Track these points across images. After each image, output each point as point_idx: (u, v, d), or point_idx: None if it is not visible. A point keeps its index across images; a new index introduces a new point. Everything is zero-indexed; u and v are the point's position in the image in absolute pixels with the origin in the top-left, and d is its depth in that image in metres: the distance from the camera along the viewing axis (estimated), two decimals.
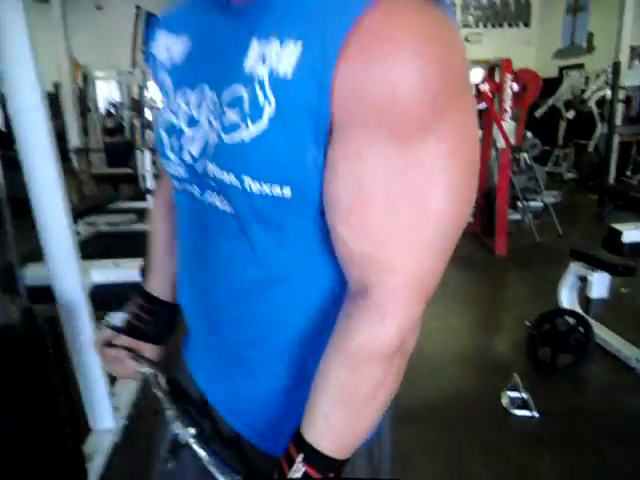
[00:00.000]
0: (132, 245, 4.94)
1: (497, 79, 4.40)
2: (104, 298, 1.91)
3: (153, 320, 0.82)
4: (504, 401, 2.24)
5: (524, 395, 2.25)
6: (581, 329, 2.46)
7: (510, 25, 10.31)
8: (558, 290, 2.85)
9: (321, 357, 0.56)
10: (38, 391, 1.37)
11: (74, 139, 6.13)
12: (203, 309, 0.68)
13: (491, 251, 4.41)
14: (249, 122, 0.51)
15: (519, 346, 2.70)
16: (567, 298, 2.82)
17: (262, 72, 0.51)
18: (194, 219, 0.65)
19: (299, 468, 0.54)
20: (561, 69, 9.47)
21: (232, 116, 0.53)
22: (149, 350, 0.82)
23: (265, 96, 0.50)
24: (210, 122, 0.56)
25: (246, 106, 0.52)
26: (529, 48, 10.19)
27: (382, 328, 0.51)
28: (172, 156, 0.63)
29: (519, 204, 5.08)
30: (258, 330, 0.63)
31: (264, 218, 0.56)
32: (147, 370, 0.76)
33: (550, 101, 7.70)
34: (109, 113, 10.35)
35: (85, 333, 1.74)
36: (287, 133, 0.50)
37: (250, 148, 0.52)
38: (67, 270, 1.65)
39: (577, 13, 9.39)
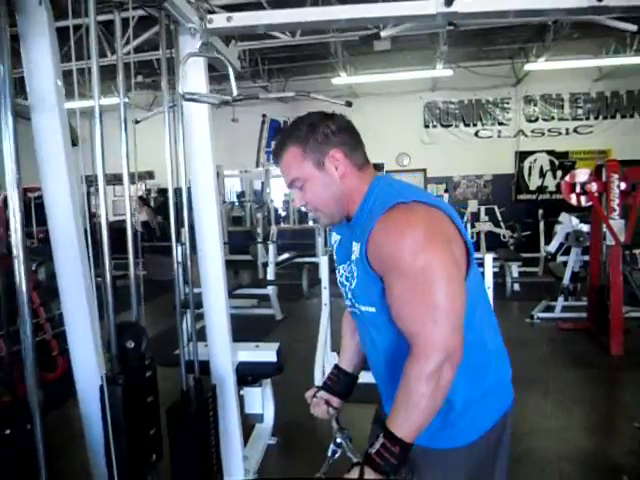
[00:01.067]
0: (256, 326, 5.43)
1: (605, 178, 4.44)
2: (243, 374, 2.30)
3: (339, 382, 1.40)
4: None
5: None
6: None
7: (623, 116, 10.22)
8: None
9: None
10: (200, 443, 1.75)
11: None
12: (373, 368, 1.27)
13: (606, 349, 4.25)
14: (352, 280, 1.15)
15: (632, 450, 2.64)
16: None
17: (353, 257, 1.13)
18: (358, 323, 1.27)
19: (380, 439, 1.02)
20: None
21: (349, 275, 1.16)
22: (335, 401, 1.37)
23: (355, 268, 1.13)
24: (348, 279, 1.18)
25: (350, 273, 1.15)
26: None
27: (420, 365, 0.99)
28: (345, 296, 1.24)
29: None
30: (388, 374, 1.19)
31: (371, 322, 1.16)
32: (333, 411, 1.34)
33: None
34: (233, 205, 11.55)
35: (230, 402, 2.11)
36: (362, 282, 1.12)
37: (355, 291, 1.16)
38: (222, 350, 2.07)
39: None
